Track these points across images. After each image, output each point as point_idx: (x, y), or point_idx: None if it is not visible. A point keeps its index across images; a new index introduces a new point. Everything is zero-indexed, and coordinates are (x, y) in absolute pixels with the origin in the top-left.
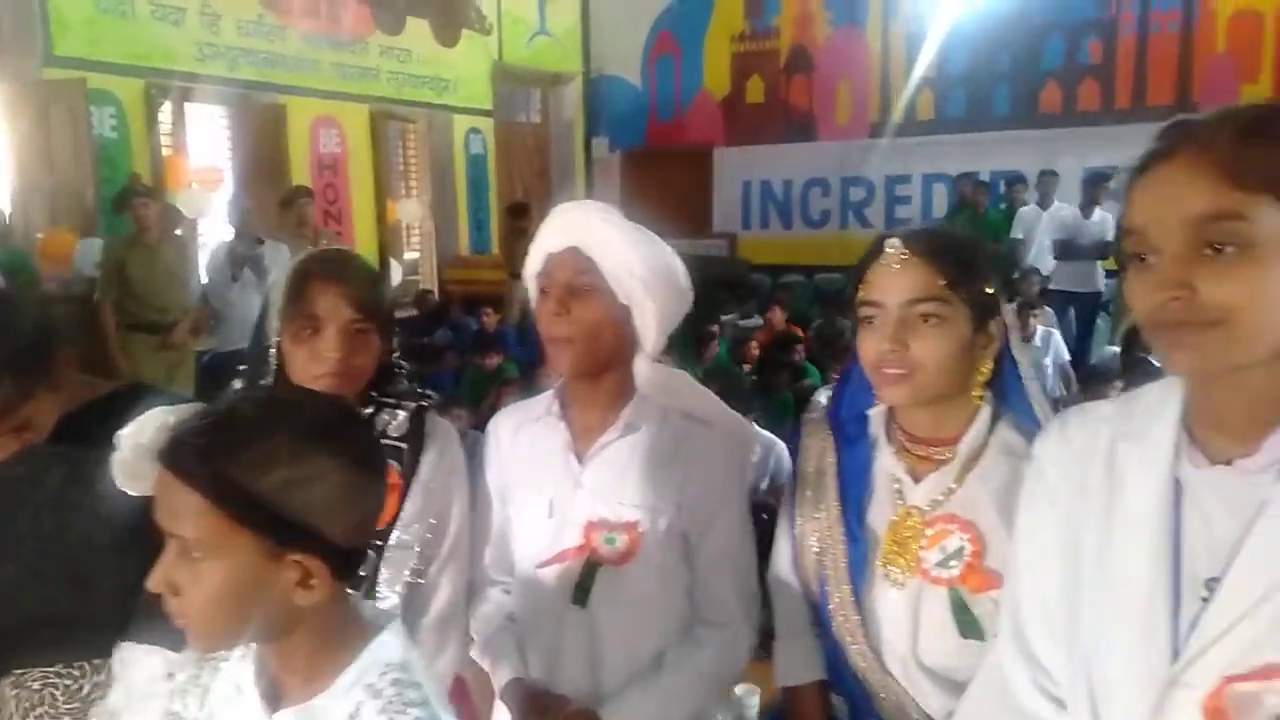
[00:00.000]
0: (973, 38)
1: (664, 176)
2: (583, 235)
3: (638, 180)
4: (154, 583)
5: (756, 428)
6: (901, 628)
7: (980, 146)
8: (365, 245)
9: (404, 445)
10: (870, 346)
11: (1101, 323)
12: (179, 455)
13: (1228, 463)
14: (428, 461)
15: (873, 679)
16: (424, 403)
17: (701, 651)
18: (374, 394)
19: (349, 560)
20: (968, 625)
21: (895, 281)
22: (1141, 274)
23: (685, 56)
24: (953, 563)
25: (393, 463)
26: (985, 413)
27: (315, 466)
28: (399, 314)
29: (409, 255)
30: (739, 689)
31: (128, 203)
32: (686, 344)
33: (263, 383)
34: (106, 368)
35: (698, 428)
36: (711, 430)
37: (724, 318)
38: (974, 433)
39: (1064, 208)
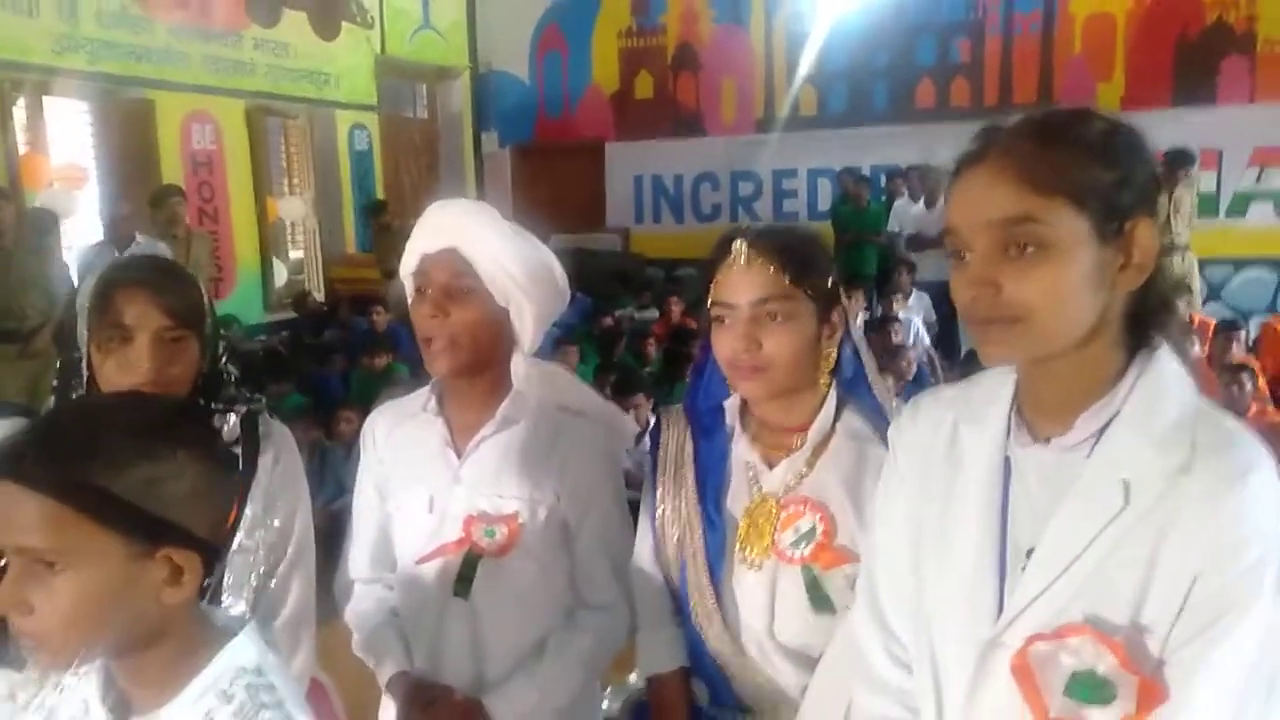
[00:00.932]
0: (851, 36)
1: (556, 172)
2: (460, 236)
3: (529, 176)
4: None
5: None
6: (758, 608)
7: (861, 141)
8: (246, 245)
9: (237, 450)
10: (725, 345)
11: None
12: (20, 465)
13: (1047, 441)
14: (264, 465)
15: (730, 661)
16: (254, 406)
17: (582, 636)
18: (200, 400)
19: (212, 555)
20: (820, 601)
21: (744, 282)
22: (959, 270)
23: (573, 52)
24: (805, 542)
25: None
26: (831, 399)
27: (172, 460)
28: (280, 316)
29: (293, 255)
30: (632, 677)
31: None
32: (589, 339)
33: (76, 394)
34: None
35: (573, 419)
36: (586, 421)
37: (619, 311)
38: (821, 419)
39: (909, 202)
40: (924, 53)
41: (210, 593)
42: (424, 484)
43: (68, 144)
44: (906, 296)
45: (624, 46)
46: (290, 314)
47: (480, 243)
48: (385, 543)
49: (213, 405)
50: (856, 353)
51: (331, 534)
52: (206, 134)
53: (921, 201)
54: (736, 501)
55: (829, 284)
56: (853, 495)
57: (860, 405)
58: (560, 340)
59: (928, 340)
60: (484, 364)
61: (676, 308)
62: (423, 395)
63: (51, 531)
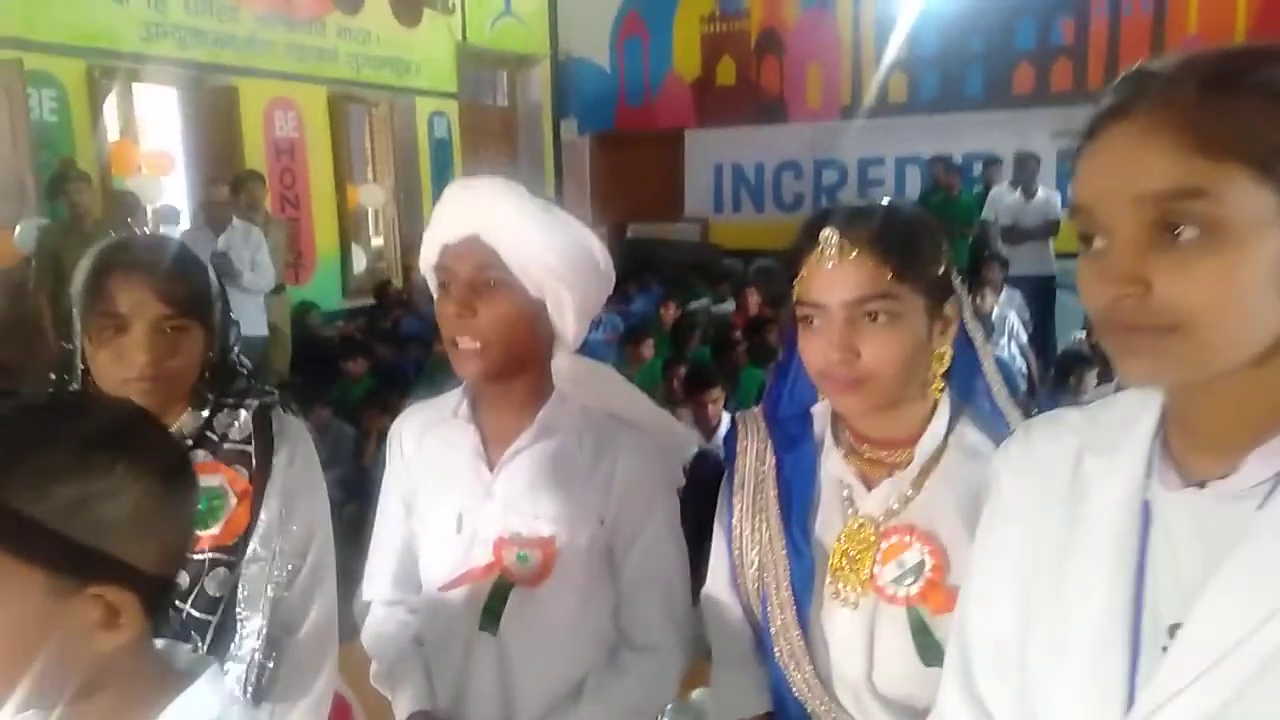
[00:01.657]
0: (944, 19)
1: (634, 160)
2: (483, 221)
3: (608, 164)
4: None
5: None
6: (854, 652)
7: (954, 128)
8: (326, 231)
9: (249, 448)
10: (815, 352)
11: (1072, 303)
12: None
13: (1202, 485)
14: (279, 465)
15: (820, 709)
16: (266, 400)
17: (624, 679)
18: (210, 395)
19: (159, 592)
20: (929, 650)
21: (836, 278)
22: (1090, 261)
23: (654, 38)
24: (911, 579)
25: (239, 469)
26: (944, 408)
27: (111, 478)
28: (358, 302)
29: (373, 242)
30: (695, 693)
31: (62, 188)
32: (659, 330)
33: (72, 388)
34: (44, 361)
35: (622, 430)
36: (638, 432)
37: (694, 304)
38: (933, 432)
39: (1008, 191)
40: (1023, 35)
41: (222, 609)
42: (453, 499)
43: (156, 130)
44: (997, 292)
45: (706, 32)
46: (368, 301)
47: (507, 228)
48: (409, 560)
49: (223, 401)
50: (972, 350)
51: None
52: (289, 121)
53: (1019, 191)
54: (827, 527)
55: (940, 271)
56: (969, 525)
57: (978, 415)
58: (635, 331)
59: (1024, 338)
60: (520, 365)
61: (754, 299)
62: (455, 397)
63: None
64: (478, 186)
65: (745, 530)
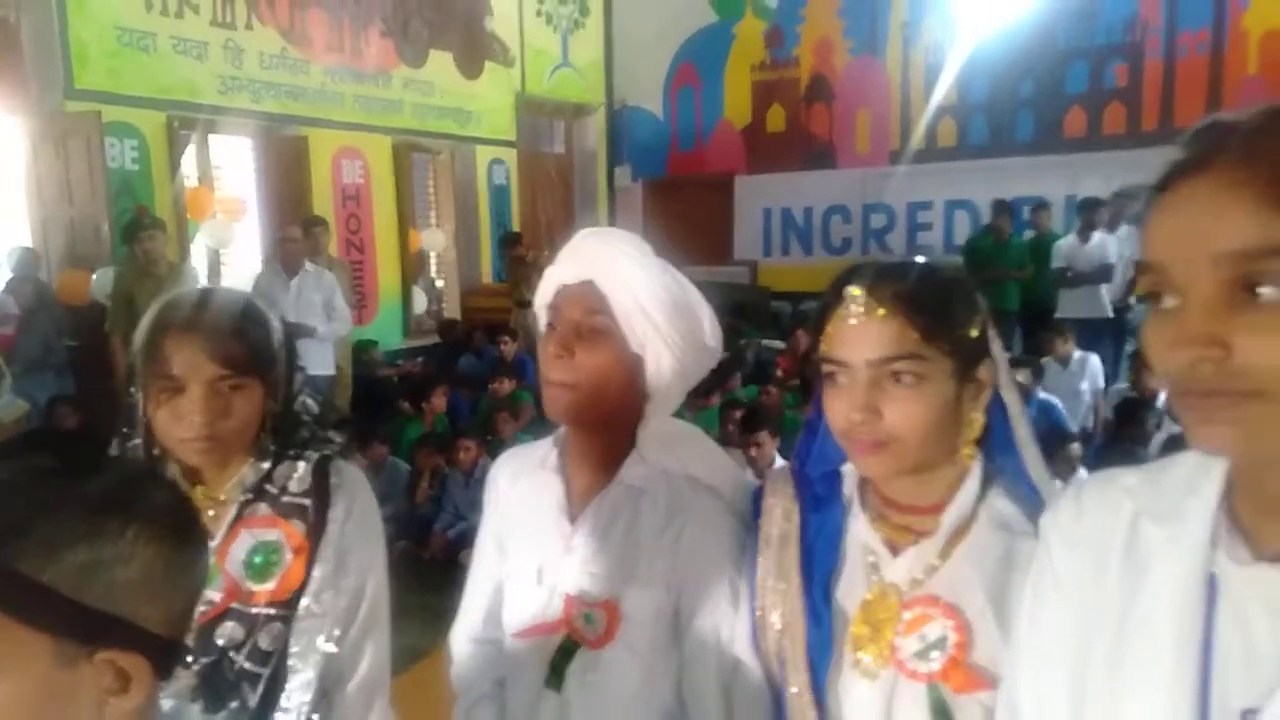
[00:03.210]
0: (994, 65)
1: (686, 205)
2: (601, 268)
3: (660, 209)
4: None
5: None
6: None
7: (1004, 172)
8: (388, 274)
9: (307, 501)
10: (838, 412)
11: (1129, 346)
12: None
13: (1276, 559)
14: (335, 518)
15: None
16: (326, 451)
17: None
18: (271, 445)
19: (169, 653)
20: None
21: (860, 337)
22: (1161, 321)
23: (706, 87)
24: (934, 654)
25: (296, 523)
26: (975, 476)
27: (119, 541)
28: (418, 342)
29: (436, 284)
30: None
31: (135, 235)
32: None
33: (131, 443)
34: (118, 402)
35: (697, 494)
36: (711, 497)
37: (742, 340)
38: (961, 501)
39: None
40: (1075, 79)
41: (275, 661)
42: (535, 550)
43: (231, 178)
44: (1067, 336)
45: (757, 80)
46: (427, 341)
47: (617, 276)
48: (501, 601)
49: (283, 452)
50: (1006, 417)
51: (447, 561)
52: (356, 169)
53: (1073, 233)
54: (850, 592)
55: (974, 334)
56: (995, 602)
57: (1011, 485)
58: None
59: (1102, 380)
60: (608, 417)
61: (805, 340)
62: (545, 446)
63: None
64: (602, 235)
65: (769, 591)
